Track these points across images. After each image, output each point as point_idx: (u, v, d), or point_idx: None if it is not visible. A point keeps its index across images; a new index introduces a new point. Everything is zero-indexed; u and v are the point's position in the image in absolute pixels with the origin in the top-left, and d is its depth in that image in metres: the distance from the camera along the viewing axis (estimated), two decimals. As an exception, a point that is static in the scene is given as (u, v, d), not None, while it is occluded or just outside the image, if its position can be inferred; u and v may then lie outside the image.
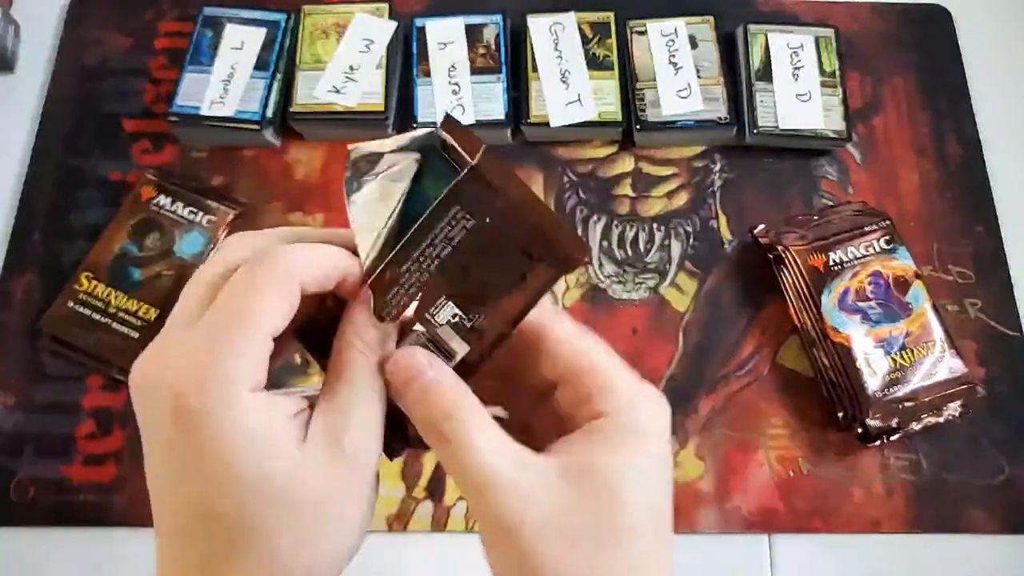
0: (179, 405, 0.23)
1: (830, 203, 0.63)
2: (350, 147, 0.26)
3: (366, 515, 0.26)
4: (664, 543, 0.26)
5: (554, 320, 0.28)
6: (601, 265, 0.62)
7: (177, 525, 0.24)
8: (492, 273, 0.26)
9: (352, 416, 0.25)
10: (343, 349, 0.26)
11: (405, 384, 0.26)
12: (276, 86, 0.63)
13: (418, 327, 0.27)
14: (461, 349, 0.27)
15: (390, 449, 0.28)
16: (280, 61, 0.64)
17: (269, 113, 0.62)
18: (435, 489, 0.55)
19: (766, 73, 0.64)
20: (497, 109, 0.63)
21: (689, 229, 0.63)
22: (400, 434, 0.28)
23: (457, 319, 0.27)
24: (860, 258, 0.56)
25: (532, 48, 0.64)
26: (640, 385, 0.27)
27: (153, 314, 0.57)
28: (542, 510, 0.24)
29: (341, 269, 0.26)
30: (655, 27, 0.65)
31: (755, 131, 0.63)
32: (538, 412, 0.29)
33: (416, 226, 0.26)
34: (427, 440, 0.26)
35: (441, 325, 0.27)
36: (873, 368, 0.54)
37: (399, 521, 0.54)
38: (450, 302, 0.27)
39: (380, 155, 0.26)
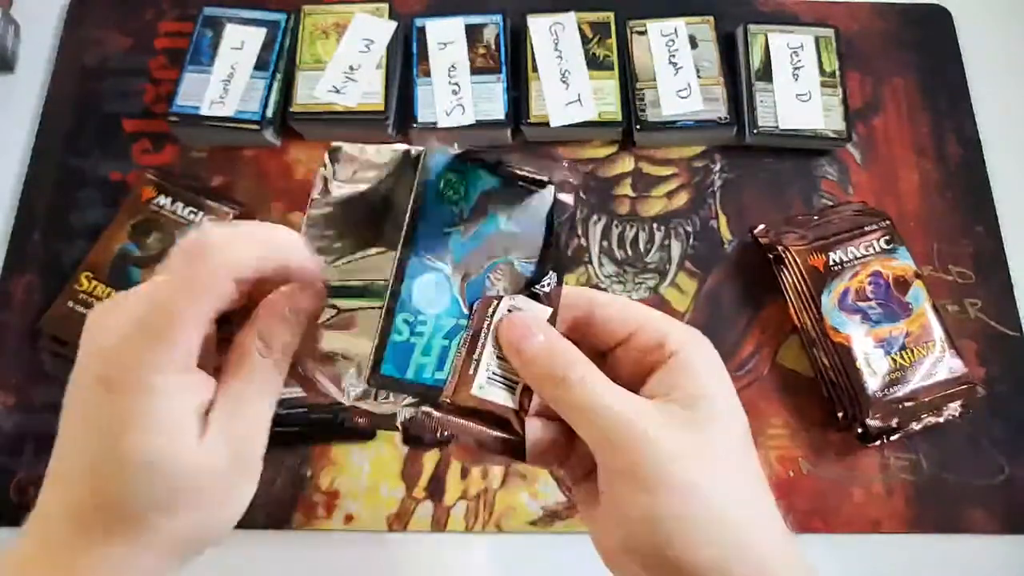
0: (103, 372, 0.25)
1: (830, 203, 0.63)
2: (333, 144, 0.29)
3: (245, 504, 0.27)
4: (754, 452, 0.29)
5: (597, 293, 0.31)
6: (601, 265, 0.62)
7: (68, 471, 0.26)
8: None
9: (246, 411, 0.27)
10: (246, 346, 0.27)
11: (520, 342, 0.28)
12: (276, 86, 0.63)
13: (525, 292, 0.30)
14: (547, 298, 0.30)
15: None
16: (280, 61, 0.64)
17: (269, 113, 0.62)
18: (435, 489, 0.55)
19: (766, 73, 0.64)
20: (497, 109, 0.63)
21: (689, 229, 0.63)
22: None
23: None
24: (860, 258, 0.56)
25: (532, 48, 0.64)
26: (685, 325, 0.31)
27: (153, 314, 0.57)
28: (670, 441, 0.27)
29: (277, 257, 0.27)
30: (655, 27, 0.65)
31: (755, 131, 0.63)
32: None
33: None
34: (544, 391, 0.28)
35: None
36: (873, 368, 0.54)
37: (399, 521, 0.54)
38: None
39: (355, 159, 0.29)
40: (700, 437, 0.27)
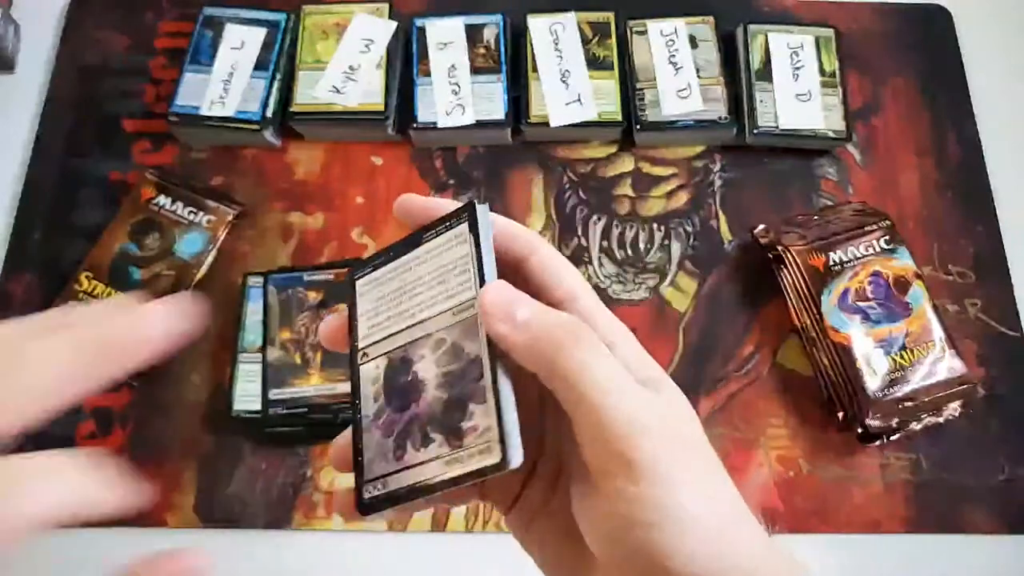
0: None
1: (830, 203, 0.63)
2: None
3: None
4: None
5: (539, 241, 0.29)
6: (601, 265, 0.62)
7: None
8: None
9: None
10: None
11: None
12: (276, 86, 0.63)
13: None
14: None
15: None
16: (280, 61, 0.64)
17: (269, 113, 0.62)
18: (435, 489, 0.55)
19: (766, 73, 0.64)
20: (497, 109, 0.63)
21: (689, 229, 0.63)
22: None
23: None
24: (860, 258, 0.56)
25: (532, 48, 0.64)
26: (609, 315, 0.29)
27: (153, 314, 0.57)
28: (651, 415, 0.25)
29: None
30: (655, 27, 0.65)
31: (755, 131, 0.63)
32: None
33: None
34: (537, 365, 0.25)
35: None
36: (873, 368, 0.54)
37: (399, 521, 0.54)
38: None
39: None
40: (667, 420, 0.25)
